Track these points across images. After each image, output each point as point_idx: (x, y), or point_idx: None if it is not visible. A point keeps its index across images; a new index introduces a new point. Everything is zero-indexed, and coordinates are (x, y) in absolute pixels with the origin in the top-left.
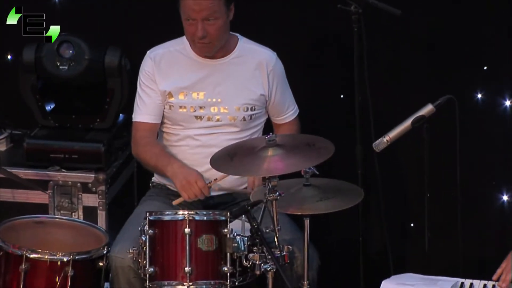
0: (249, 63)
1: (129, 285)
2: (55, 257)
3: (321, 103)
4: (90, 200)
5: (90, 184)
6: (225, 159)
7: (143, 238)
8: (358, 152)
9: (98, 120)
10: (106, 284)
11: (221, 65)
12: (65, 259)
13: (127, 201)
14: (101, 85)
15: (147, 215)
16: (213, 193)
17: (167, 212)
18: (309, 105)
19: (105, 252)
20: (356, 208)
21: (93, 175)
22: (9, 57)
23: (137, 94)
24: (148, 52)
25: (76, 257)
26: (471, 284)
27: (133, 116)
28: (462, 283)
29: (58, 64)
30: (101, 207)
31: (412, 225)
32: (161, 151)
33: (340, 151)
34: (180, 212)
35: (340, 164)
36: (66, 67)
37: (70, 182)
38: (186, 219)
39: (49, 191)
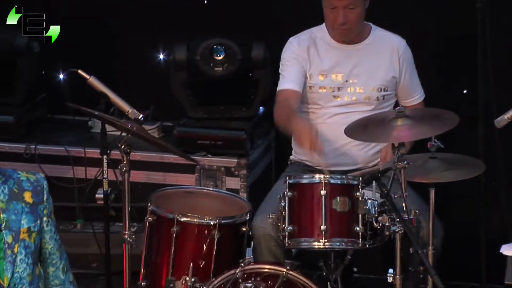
0: (381, 48)
1: (270, 253)
2: (203, 221)
3: (444, 95)
4: (233, 183)
5: (233, 168)
6: (358, 129)
7: (282, 204)
8: (481, 130)
9: (244, 109)
10: (248, 250)
11: (357, 50)
12: (212, 223)
13: (265, 185)
14: (247, 78)
15: (287, 178)
16: (347, 168)
17: (305, 176)
18: (432, 96)
19: (247, 218)
20: (477, 186)
21: (236, 160)
22: (161, 56)
23: (280, 71)
24: (291, 38)
25: (222, 222)
26: None
27: (277, 88)
28: None
29: (212, 65)
30: (242, 190)
31: None
32: (293, 111)
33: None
34: (317, 175)
35: (464, 142)
36: (220, 68)
37: (214, 166)
38: (322, 182)
39: (196, 174)
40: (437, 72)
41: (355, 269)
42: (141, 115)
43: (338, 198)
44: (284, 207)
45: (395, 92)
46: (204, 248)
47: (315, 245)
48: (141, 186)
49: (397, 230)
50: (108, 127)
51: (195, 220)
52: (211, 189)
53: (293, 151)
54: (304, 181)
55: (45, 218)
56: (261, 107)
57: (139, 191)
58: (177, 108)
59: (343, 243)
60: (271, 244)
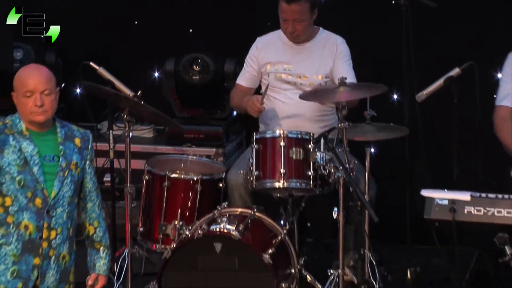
0: (324, 45)
1: (241, 199)
2: (188, 177)
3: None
4: None
5: (212, 156)
6: (311, 94)
7: (251, 161)
8: (406, 103)
9: (219, 111)
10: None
11: (305, 48)
12: (195, 178)
13: None
14: (221, 86)
15: (254, 134)
16: None
17: (268, 131)
18: None
19: (223, 176)
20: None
21: (215, 150)
22: (156, 74)
23: (244, 65)
24: (258, 37)
25: (203, 177)
26: None
27: (236, 80)
28: None
29: (191, 75)
30: None
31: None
32: (242, 97)
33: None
34: (277, 131)
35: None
36: (197, 77)
37: (197, 155)
38: (282, 136)
39: None
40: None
41: (308, 224)
42: (139, 92)
43: (294, 148)
44: (252, 157)
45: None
46: (190, 199)
47: (276, 185)
48: (139, 173)
49: (340, 175)
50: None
51: (182, 176)
52: (194, 157)
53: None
54: (268, 135)
55: (87, 162)
56: (234, 112)
57: (137, 176)
58: (166, 111)
59: (298, 183)
60: (242, 192)
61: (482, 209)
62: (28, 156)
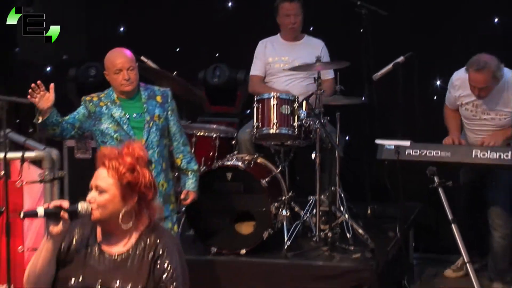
0: (311, 45)
1: (247, 151)
2: (209, 134)
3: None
4: None
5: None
6: (298, 67)
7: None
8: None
9: (233, 108)
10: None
11: (297, 45)
12: (214, 136)
13: None
14: (235, 90)
15: (255, 97)
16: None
17: (265, 94)
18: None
19: (235, 135)
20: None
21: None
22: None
23: (253, 61)
24: (260, 41)
25: (220, 135)
26: None
27: (250, 73)
28: None
29: (213, 78)
30: None
31: None
32: (260, 84)
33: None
34: (272, 93)
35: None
36: (216, 80)
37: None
38: (274, 97)
39: None
40: None
41: (297, 178)
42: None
43: (283, 105)
44: (253, 114)
45: None
46: (210, 151)
47: (270, 132)
48: None
49: (317, 126)
50: None
51: (206, 134)
52: (214, 125)
53: None
54: (265, 96)
55: (169, 112)
56: (248, 110)
57: None
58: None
59: (286, 130)
60: (248, 145)
61: (418, 151)
62: (118, 118)
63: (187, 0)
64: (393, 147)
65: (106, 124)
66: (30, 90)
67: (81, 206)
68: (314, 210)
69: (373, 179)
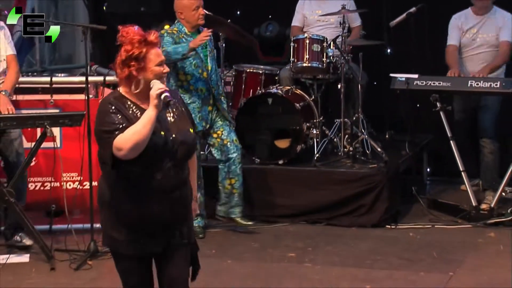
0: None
1: (287, 85)
2: (256, 71)
3: None
4: None
5: None
6: (329, 13)
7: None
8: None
9: (281, 57)
10: None
11: (329, 1)
12: (260, 72)
13: None
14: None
15: (292, 38)
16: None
17: (300, 35)
18: None
19: (277, 72)
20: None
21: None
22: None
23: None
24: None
25: (265, 71)
26: None
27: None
28: None
29: (265, 31)
30: None
31: None
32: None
33: None
34: (305, 34)
35: None
36: (269, 33)
37: None
38: (307, 37)
39: None
40: None
41: (329, 110)
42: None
43: (314, 44)
44: (291, 52)
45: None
46: (257, 84)
47: (304, 65)
48: None
49: (342, 62)
50: None
51: (254, 70)
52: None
53: None
54: (300, 37)
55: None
56: None
57: None
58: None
59: (316, 63)
60: (288, 80)
61: (424, 82)
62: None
63: None
64: (404, 78)
65: None
66: None
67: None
68: (341, 132)
69: (392, 111)
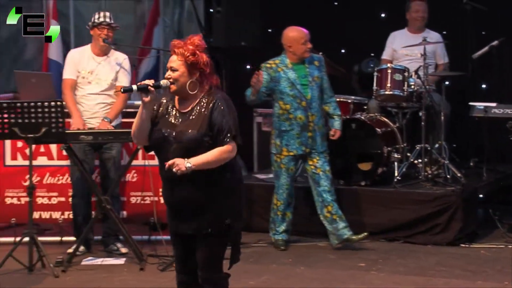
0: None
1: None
2: (346, 100)
3: None
4: None
5: None
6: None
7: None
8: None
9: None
10: None
11: (417, 36)
12: (349, 101)
13: None
14: None
15: (376, 69)
16: None
17: (383, 65)
18: None
19: (366, 101)
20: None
21: None
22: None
23: None
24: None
25: (354, 101)
26: None
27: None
28: None
29: (367, 68)
30: None
31: None
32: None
33: None
34: (388, 65)
35: None
36: (371, 69)
37: None
38: (389, 67)
39: None
40: None
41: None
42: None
43: (396, 74)
44: (374, 81)
45: None
46: (347, 112)
47: (386, 92)
48: None
49: (423, 90)
50: None
51: (343, 99)
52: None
53: None
54: (383, 67)
55: (323, 72)
56: None
57: None
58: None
59: (398, 91)
60: (375, 110)
61: (502, 110)
62: (293, 80)
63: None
64: (482, 107)
65: (284, 85)
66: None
67: (163, 82)
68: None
69: (476, 140)
